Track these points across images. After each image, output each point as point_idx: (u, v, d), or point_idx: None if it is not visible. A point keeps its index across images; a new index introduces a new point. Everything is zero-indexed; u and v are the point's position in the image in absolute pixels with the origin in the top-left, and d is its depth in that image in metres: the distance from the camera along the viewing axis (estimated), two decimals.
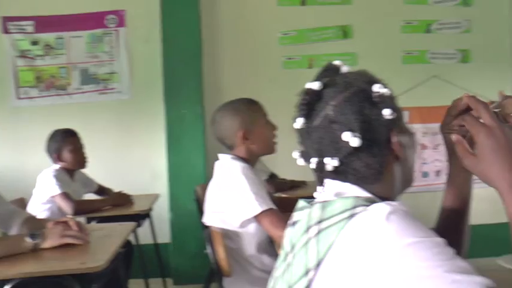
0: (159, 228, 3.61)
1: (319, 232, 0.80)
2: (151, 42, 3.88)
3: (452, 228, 1.06)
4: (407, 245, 0.71)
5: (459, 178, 1.02)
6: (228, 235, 1.81)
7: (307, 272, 0.80)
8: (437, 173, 4.10)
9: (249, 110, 1.98)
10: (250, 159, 1.93)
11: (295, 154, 0.93)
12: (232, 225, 1.82)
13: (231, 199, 1.80)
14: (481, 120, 0.82)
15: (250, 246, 1.82)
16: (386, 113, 0.84)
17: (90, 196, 3.24)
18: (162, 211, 3.70)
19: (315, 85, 0.88)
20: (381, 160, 0.85)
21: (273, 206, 1.76)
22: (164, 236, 3.72)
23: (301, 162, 0.92)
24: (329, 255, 0.78)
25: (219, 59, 3.96)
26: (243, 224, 1.80)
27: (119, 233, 2.06)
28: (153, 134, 3.90)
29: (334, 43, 4.00)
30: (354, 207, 0.78)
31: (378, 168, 0.85)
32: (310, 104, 0.88)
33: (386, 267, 0.71)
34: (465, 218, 1.05)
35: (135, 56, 3.98)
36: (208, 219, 1.92)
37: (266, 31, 3.98)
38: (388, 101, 0.86)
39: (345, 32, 4.00)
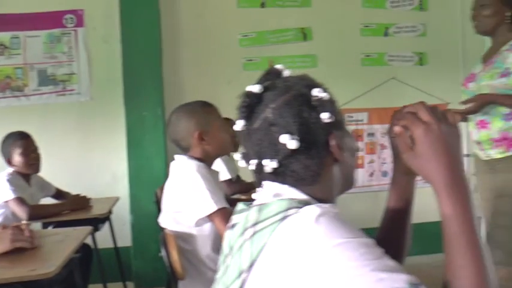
0: (120, 232, 3.57)
1: (253, 234, 0.81)
2: (111, 43, 3.83)
3: (395, 228, 1.08)
4: (335, 245, 0.73)
5: (402, 180, 1.04)
6: (183, 237, 1.80)
7: (240, 274, 0.81)
8: None
9: (204, 111, 1.99)
10: (206, 160, 1.93)
11: (237, 156, 0.94)
12: (186, 225, 1.82)
13: (187, 198, 1.80)
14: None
15: (205, 248, 1.82)
16: (325, 116, 0.86)
17: (49, 200, 3.17)
18: (123, 214, 3.66)
19: (256, 88, 0.90)
20: (319, 162, 0.87)
21: (227, 205, 1.77)
22: (125, 239, 3.68)
23: (242, 163, 0.93)
24: (261, 256, 0.79)
25: (179, 60, 3.94)
26: (198, 223, 1.79)
27: (73, 237, 2.02)
28: (114, 136, 3.84)
29: (294, 45, 4.03)
30: (288, 209, 0.80)
31: (316, 170, 0.87)
32: (250, 106, 0.89)
33: (315, 268, 0.73)
34: (408, 218, 1.07)
35: (95, 57, 3.91)
36: (163, 221, 1.92)
37: (226, 33, 3.98)
38: (327, 105, 0.87)
39: (304, 34, 4.03)
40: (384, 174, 4.18)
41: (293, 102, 0.86)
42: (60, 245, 1.89)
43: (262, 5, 3.97)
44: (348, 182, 0.97)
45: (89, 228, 2.20)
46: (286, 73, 0.94)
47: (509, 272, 1.46)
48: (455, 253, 0.75)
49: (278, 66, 0.94)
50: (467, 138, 2.34)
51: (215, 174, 2.00)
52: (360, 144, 4.13)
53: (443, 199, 0.78)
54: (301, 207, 0.80)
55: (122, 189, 3.71)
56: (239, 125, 0.90)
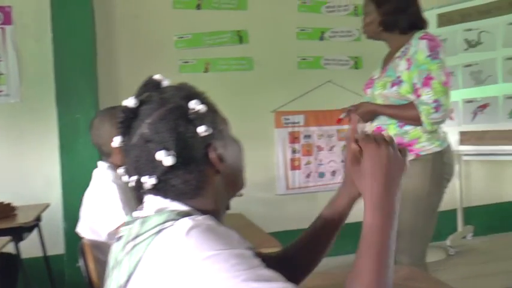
0: (53, 239, 3.45)
1: (132, 248, 0.81)
2: (42, 42, 3.67)
3: (321, 237, 1.12)
4: (205, 258, 0.73)
5: (344, 201, 1.07)
6: (99, 247, 1.76)
7: None
8: (333, 173, 4.29)
9: None
10: None
11: (120, 170, 0.92)
12: (101, 236, 1.78)
13: (100, 208, 1.77)
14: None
15: None
16: (201, 130, 0.85)
17: None
18: (56, 220, 3.54)
19: (131, 102, 0.88)
20: (200, 175, 0.87)
21: None
22: (59, 246, 3.56)
23: (125, 178, 0.91)
24: (137, 270, 0.79)
25: (114, 61, 3.85)
26: (111, 236, 1.75)
27: None
28: (45, 139, 3.70)
29: (230, 47, 4.03)
30: (165, 222, 0.80)
31: (197, 183, 0.87)
32: (126, 122, 0.88)
33: (187, 282, 0.73)
34: (336, 232, 1.11)
35: (25, 56, 3.74)
36: (81, 229, 1.87)
37: (162, 34, 3.92)
38: (204, 117, 0.87)
39: (240, 37, 4.04)
40: (321, 175, 4.26)
41: (168, 116, 0.85)
42: None
43: (198, 7, 3.94)
44: (237, 186, 0.98)
45: (5, 239, 2.10)
46: (165, 83, 0.93)
47: (411, 271, 1.54)
48: (366, 258, 0.80)
49: (156, 77, 0.93)
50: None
51: None
52: (297, 146, 4.20)
53: (368, 210, 0.86)
54: (177, 220, 0.79)
55: (55, 194, 3.59)
56: (116, 142, 0.89)
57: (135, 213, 0.90)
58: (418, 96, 2.09)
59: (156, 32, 3.91)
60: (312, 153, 4.24)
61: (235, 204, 3.91)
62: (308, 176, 4.23)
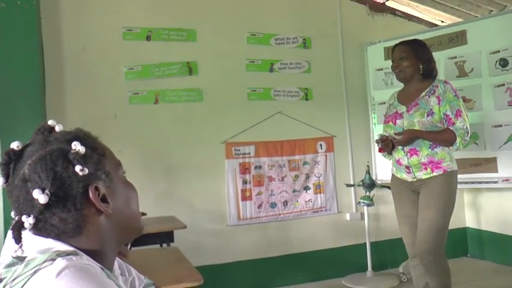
0: None
1: None
2: None
3: None
4: None
5: None
6: None
7: None
8: (285, 203, 4.29)
9: None
10: None
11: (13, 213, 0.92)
12: None
13: None
14: None
15: None
16: (77, 169, 0.86)
17: None
18: None
19: (14, 144, 0.90)
20: (77, 215, 0.88)
21: None
22: None
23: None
24: None
25: (63, 93, 3.75)
26: None
27: None
28: None
29: (179, 79, 4.01)
30: (44, 262, 0.79)
31: (76, 222, 0.88)
32: (7, 164, 0.89)
33: None
34: None
35: None
36: None
37: (111, 65, 3.87)
38: (86, 158, 0.88)
39: (190, 68, 4.03)
40: (272, 205, 4.26)
41: (48, 157, 0.86)
42: None
43: (148, 38, 3.93)
44: (130, 230, 0.99)
45: None
46: (58, 128, 0.94)
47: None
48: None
49: (50, 122, 0.95)
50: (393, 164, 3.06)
51: None
52: (248, 177, 4.19)
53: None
54: (55, 260, 0.79)
55: None
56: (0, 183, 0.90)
57: (14, 254, 0.88)
58: (453, 124, 2.80)
59: (106, 63, 3.86)
60: (263, 184, 4.25)
61: (183, 235, 3.80)
62: (259, 206, 4.22)
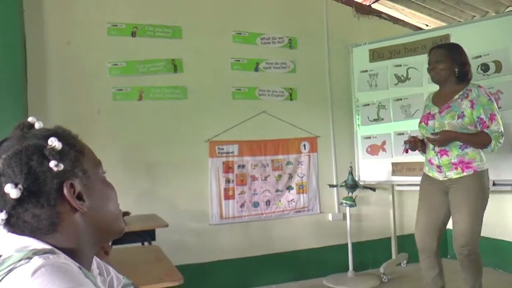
0: None
1: None
2: None
3: None
4: None
5: None
6: None
7: None
8: (267, 202, 4.29)
9: None
10: None
11: None
12: None
13: None
14: None
15: None
16: (52, 165, 0.85)
17: None
18: None
19: None
20: (51, 211, 0.86)
21: None
22: None
23: None
24: None
25: (46, 88, 3.69)
26: None
27: None
28: None
29: (164, 76, 3.99)
30: (20, 260, 0.78)
31: (49, 219, 0.86)
32: None
33: None
34: None
35: None
36: None
37: (96, 61, 3.83)
38: (63, 154, 0.87)
39: (175, 66, 4.01)
40: (255, 205, 4.26)
41: (23, 151, 0.85)
42: None
43: (133, 34, 3.90)
44: (109, 230, 0.97)
45: None
46: (38, 126, 0.93)
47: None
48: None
49: (30, 119, 0.93)
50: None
51: None
52: (231, 176, 4.18)
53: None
54: (32, 258, 0.78)
55: None
56: None
57: None
58: (487, 127, 2.88)
59: (90, 58, 3.81)
60: (246, 183, 4.24)
61: (165, 234, 3.79)
62: (242, 205, 4.21)
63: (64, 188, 0.87)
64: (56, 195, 0.86)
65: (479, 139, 2.90)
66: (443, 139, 2.92)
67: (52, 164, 0.85)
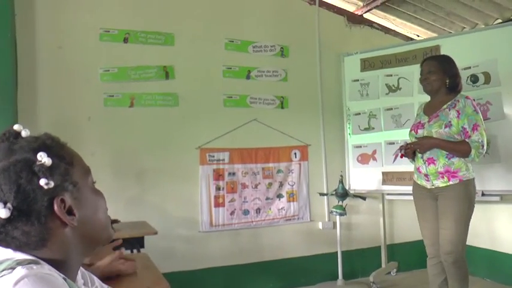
0: None
1: None
2: None
3: None
4: None
5: None
6: None
7: None
8: (257, 210, 4.29)
9: None
10: None
11: None
12: None
13: None
14: None
15: None
16: (42, 183, 0.84)
17: None
18: None
19: None
20: (41, 228, 0.85)
21: None
22: None
23: None
24: None
25: (36, 93, 3.66)
26: None
27: None
28: None
29: (156, 82, 3.98)
30: (3, 270, 0.77)
31: (40, 235, 0.85)
32: None
33: None
34: None
35: None
36: None
37: (87, 66, 3.82)
38: (52, 169, 0.86)
39: (167, 73, 4.01)
40: (245, 212, 4.25)
41: (11, 168, 0.83)
42: None
43: (125, 41, 3.89)
44: (98, 239, 0.96)
45: None
46: (24, 134, 0.91)
47: None
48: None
49: (16, 127, 0.91)
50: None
51: None
52: (221, 184, 4.18)
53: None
54: (15, 269, 0.77)
55: None
56: None
57: None
58: (469, 136, 2.95)
59: (81, 64, 3.80)
60: (236, 191, 4.24)
61: (155, 241, 3.77)
62: (232, 213, 4.20)
63: (54, 204, 0.85)
64: (47, 212, 0.85)
65: (459, 147, 2.98)
66: (424, 143, 3.03)
67: (42, 182, 0.83)
